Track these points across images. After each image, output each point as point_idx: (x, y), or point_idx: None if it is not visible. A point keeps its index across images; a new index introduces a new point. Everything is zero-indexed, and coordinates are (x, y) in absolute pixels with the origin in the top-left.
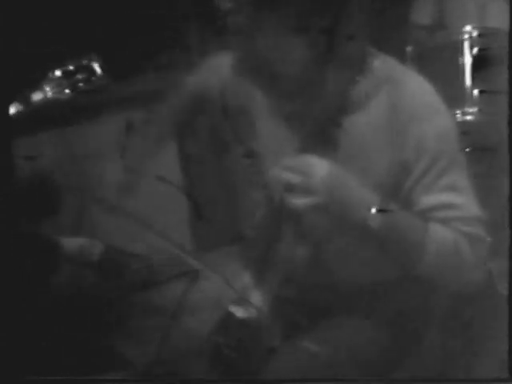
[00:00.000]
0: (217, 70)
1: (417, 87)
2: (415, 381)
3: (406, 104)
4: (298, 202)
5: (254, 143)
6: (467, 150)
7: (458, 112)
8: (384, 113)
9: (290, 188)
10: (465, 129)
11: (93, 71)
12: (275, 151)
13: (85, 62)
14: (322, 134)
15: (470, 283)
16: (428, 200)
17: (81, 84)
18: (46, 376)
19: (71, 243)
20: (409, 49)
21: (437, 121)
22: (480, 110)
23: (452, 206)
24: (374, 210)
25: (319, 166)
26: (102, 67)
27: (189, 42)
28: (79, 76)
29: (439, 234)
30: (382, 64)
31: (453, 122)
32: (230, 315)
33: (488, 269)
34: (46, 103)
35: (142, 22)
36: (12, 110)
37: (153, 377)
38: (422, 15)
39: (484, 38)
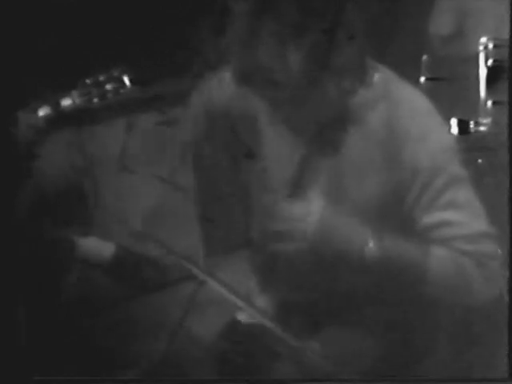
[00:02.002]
0: (220, 84)
1: (415, 105)
2: (416, 381)
3: (402, 123)
4: (284, 248)
5: (259, 149)
6: (479, 160)
7: (471, 123)
8: (381, 129)
9: (279, 237)
10: (477, 140)
11: (122, 83)
12: (280, 156)
13: (115, 73)
14: (322, 143)
15: (478, 300)
16: (428, 218)
17: (109, 94)
18: (52, 376)
19: (83, 243)
20: (424, 58)
21: (433, 139)
22: (493, 121)
23: (453, 224)
24: (370, 244)
25: (311, 210)
26: (131, 80)
27: (200, 47)
28: (108, 86)
29: (439, 257)
30: (382, 78)
31: (451, 138)
32: (236, 321)
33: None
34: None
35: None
36: (41, 112)
37: (156, 377)
38: (441, 26)
39: (500, 49)
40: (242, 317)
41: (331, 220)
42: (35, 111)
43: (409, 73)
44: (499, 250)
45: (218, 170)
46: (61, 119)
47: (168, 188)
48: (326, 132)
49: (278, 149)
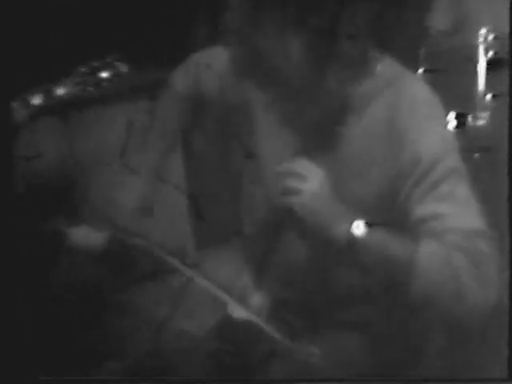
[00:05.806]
0: (209, 67)
1: (418, 95)
2: (415, 381)
3: (404, 112)
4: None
5: (253, 141)
6: (476, 155)
7: (469, 116)
8: (382, 118)
9: (286, 191)
10: (475, 133)
11: (117, 70)
12: (274, 151)
13: (110, 60)
14: (321, 135)
15: (471, 308)
16: (422, 210)
17: (104, 83)
18: (43, 376)
19: (74, 233)
20: (422, 50)
21: (434, 130)
22: (492, 115)
23: (447, 217)
24: (356, 227)
25: (314, 172)
26: (127, 66)
27: (194, 37)
28: (103, 74)
29: (430, 250)
30: (386, 68)
31: (452, 131)
32: (227, 317)
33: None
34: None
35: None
36: (35, 101)
37: (151, 376)
38: (441, 21)
39: (499, 41)
40: (234, 312)
41: (322, 195)
42: (28, 100)
43: (408, 65)
44: (496, 253)
45: (209, 161)
46: (54, 108)
47: (157, 180)
48: (324, 126)
49: (273, 142)
